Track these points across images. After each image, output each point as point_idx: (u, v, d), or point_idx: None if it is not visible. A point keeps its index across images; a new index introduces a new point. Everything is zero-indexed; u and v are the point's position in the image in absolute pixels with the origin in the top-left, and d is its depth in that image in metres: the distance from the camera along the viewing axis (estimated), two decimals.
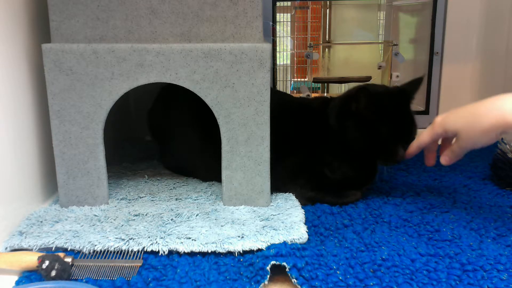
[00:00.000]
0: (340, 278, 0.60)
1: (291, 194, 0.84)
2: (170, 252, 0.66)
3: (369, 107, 0.78)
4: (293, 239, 0.67)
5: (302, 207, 0.79)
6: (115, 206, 0.80)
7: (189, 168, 0.95)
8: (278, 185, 0.84)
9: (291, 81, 1.45)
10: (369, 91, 0.78)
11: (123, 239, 0.67)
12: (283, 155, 0.83)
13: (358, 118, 0.80)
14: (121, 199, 0.83)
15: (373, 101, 0.78)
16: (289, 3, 1.37)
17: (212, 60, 0.74)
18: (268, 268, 0.59)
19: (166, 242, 0.67)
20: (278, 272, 0.61)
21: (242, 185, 0.79)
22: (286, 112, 0.88)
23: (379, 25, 1.44)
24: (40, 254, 0.62)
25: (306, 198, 0.84)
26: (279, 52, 1.31)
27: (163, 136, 0.98)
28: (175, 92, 0.90)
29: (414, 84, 0.84)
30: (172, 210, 0.78)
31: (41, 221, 0.74)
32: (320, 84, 1.50)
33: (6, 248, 0.67)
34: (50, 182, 0.83)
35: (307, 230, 0.70)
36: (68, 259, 0.62)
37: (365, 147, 0.81)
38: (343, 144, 0.82)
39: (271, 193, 0.82)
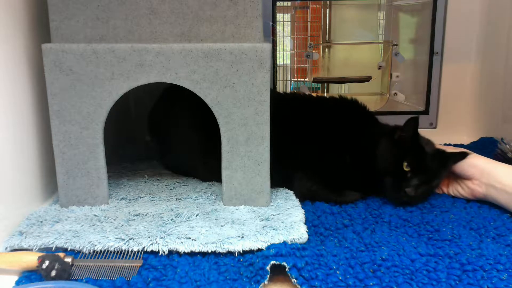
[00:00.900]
0: (340, 278, 0.60)
1: (291, 193, 0.84)
2: (170, 252, 0.66)
3: (409, 137, 0.82)
4: (293, 239, 0.67)
5: (302, 207, 0.79)
6: (115, 206, 0.80)
7: (189, 168, 0.95)
8: (289, 170, 0.86)
9: (291, 81, 1.44)
10: (417, 124, 0.82)
11: (123, 239, 0.67)
12: (302, 145, 0.86)
13: (395, 142, 0.84)
14: (121, 199, 0.83)
15: (415, 134, 0.83)
16: (289, 3, 1.37)
17: (212, 60, 0.74)
18: (268, 268, 0.59)
19: (166, 242, 0.67)
20: (278, 272, 0.61)
21: (242, 185, 0.79)
22: (305, 107, 0.92)
23: (379, 25, 1.44)
24: (40, 254, 0.62)
25: (307, 189, 0.84)
26: (279, 52, 1.31)
27: (164, 137, 0.98)
28: (177, 94, 0.91)
29: (460, 154, 0.85)
30: (172, 210, 0.78)
31: (41, 221, 0.74)
32: (320, 84, 1.50)
33: (6, 248, 0.67)
34: (50, 182, 0.83)
35: (307, 230, 0.70)
36: (68, 259, 0.62)
37: (384, 167, 0.82)
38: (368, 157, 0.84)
39: (277, 180, 0.82)
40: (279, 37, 1.28)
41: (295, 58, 1.41)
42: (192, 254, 0.66)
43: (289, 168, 0.86)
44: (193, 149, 0.92)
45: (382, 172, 0.82)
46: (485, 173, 0.81)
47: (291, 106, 0.92)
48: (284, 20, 1.39)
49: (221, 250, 0.66)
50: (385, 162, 0.83)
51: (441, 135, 1.16)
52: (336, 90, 1.58)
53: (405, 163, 0.80)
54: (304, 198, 0.84)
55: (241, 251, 0.66)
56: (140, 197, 0.84)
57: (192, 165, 0.94)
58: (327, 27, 1.45)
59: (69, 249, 0.66)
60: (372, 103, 1.41)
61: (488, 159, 0.84)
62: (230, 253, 0.66)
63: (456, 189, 0.86)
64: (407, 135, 0.83)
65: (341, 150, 0.86)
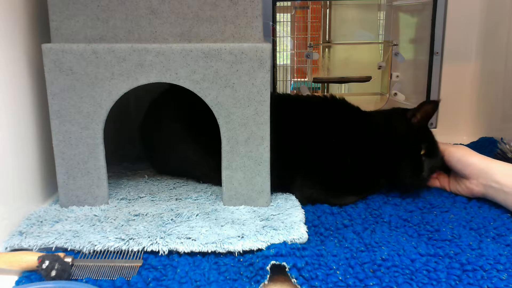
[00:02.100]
0: (340, 278, 0.60)
1: (291, 194, 0.84)
2: (170, 252, 0.66)
3: (423, 121, 0.85)
4: (293, 239, 0.67)
5: (302, 207, 0.79)
6: (115, 206, 0.80)
7: (189, 169, 0.94)
8: (287, 171, 0.85)
9: (291, 81, 1.44)
10: (432, 107, 0.84)
11: (123, 239, 0.67)
12: (300, 146, 0.85)
13: (410, 126, 0.86)
14: (121, 199, 0.83)
15: (429, 116, 0.86)
16: (289, 3, 1.37)
17: (212, 60, 0.74)
18: (268, 268, 0.59)
19: (166, 242, 0.67)
20: (278, 272, 0.61)
21: (242, 185, 0.79)
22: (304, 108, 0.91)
23: (379, 25, 1.44)
24: (40, 254, 0.62)
25: (307, 196, 0.83)
26: (279, 52, 1.31)
27: (158, 144, 0.96)
28: (166, 102, 0.92)
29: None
30: (172, 210, 0.78)
31: (41, 221, 0.74)
32: (320, 84, 1.50)
33: (6, 248, 0.67)
34: (50, 182, 0.83)
35: (307, 230, 0.70)
36: (68, 259, 0.62)
37: (401, 149, 0.84)
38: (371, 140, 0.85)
39: (279, 186, 0.82)
40: (279, 37, 1.28)
41: (295, 58, 1.41)
42: (192, 254, 0.66)
43: (287, 171, 0.85)
44: (189, 152, 0.91)
45: (398, 156, 0.83)
46: (482, 172, 0.81)
47: (286, 107, 0.91)
48: (284, 20, 1.39)
49: (221, 250, 0.66)
50: (403, 145, 0.84)
51: (441, 135, 1.15)
52: (336, 90, 1.58)
53: (422, 146, 0.83)
54: (304, 203, 0.83)
55: (241, 251, 0.66)
56: (140, 197, 0.84)
57: (188, 168, 0.93)
58: (327, 27, 1.46)
59: (69, 249, 0.66)
60: (372, 103, 1.41)
61: (483, 156, 0.84)
62: (230, 253, 0.66)
63: (456, 187, 0.87)
64: (422, 118, 0.85)
65: (340, 150, 0.85)
